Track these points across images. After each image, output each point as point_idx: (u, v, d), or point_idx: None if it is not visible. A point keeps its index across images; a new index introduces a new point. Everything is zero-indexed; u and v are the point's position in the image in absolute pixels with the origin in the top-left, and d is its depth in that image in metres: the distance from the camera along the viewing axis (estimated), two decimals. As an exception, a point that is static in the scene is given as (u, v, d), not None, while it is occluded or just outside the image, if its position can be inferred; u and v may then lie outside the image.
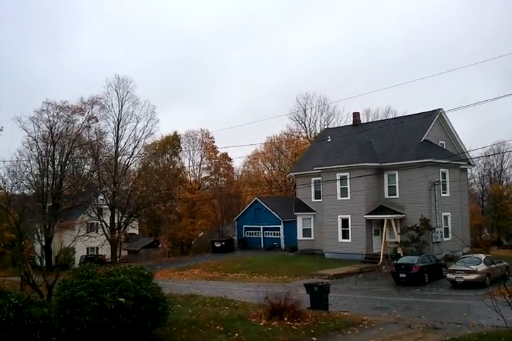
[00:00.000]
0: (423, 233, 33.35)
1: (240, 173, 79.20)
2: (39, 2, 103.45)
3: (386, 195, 37.20)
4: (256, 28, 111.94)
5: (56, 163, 49.24)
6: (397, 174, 36.69)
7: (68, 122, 50.08)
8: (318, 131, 63.50)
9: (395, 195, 36.72)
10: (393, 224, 35.15)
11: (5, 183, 44.85)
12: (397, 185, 36.67)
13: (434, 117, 38.41)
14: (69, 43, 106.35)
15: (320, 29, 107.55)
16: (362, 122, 47.37)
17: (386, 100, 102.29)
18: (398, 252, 33.99)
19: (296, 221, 43.22)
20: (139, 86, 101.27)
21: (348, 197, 37.30)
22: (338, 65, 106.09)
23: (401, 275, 26.95)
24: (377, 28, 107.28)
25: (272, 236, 50.22)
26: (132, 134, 52.42)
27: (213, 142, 66.78)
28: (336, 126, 60.14)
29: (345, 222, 37.53)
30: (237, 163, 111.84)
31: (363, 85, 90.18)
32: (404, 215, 35.53)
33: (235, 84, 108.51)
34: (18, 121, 47.91)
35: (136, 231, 61.56)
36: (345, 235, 37.47)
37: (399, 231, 35.05)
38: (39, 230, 41.67)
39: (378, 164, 37.19)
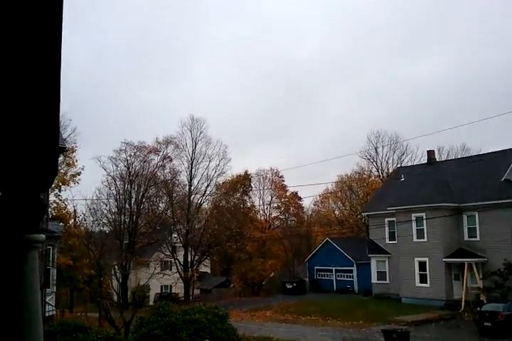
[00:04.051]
0: (508, 278, 31.32)
1: (310, 213, 78.59)
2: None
3: (466, 237, 35.48)
4: (356, 61, 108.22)
5: (133, 201, 50.96)
6: (476, 215, 35.03)
7: (144, 162, 52.18)
8: (391, 170, 62.24)
9: (476, 237, 34.94)
10: (474, 269, 33.30)
11: (85, 220, 47.00)
12: (477, 226, 34.95)
13: (515, 155, 36.71)
14: (161, 82, 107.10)
15: (426, 63, 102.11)
16: (437, 160, 46.09)
17: (461, 137, 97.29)
18: (481, 299, 32.03)
19: (369, 263, 41.95)
20: (229, 123, 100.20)
21: (425, 239, 35.91)
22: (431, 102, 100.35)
23: (485, 324, 25.22)
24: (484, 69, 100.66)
25: (345, 278, 48.88)
26: (205, 173, 53.82)
27: (283, 181, 67.00)
28: (409, 164, 58.75)
29: (422, 265, 36.00)
30: (307, 202, 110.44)
31: (442, 121, 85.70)
32: (486, 259, 33.63)
33: (326, 119, 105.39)
34: (98, 161, 50.30)
35: (208, 270, 61.97)
36: (422, 279, 35.87)
37: (481, 276, 33.13)
38: (116, 267, 43.01)
39: (456, 204, 35.72)
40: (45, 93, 1.58)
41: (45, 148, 1.80)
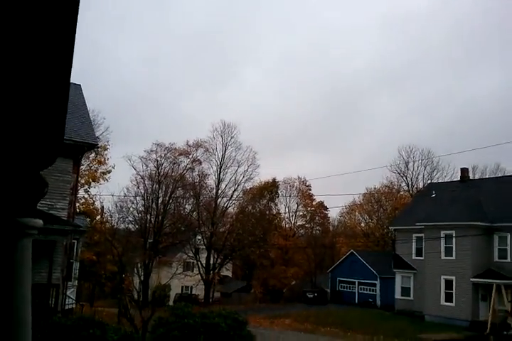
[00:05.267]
0: (538, 303, 30.28)
1: (335, 223, 77.77)
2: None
3: (496, 258, 34.48)
4: (406, 73, 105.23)
5: (160, 201, 51.12)
6: (508, 236, 34.01)
7: (174, 163, 52.38)
8: (421, 186, 61.15)
9: (506, 258, 33.92)
10: (503, 291, 32.26)
11: (111, 217, 47.42)
12: (508, 247, 33.94)
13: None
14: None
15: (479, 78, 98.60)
16: (470, 178, 44.98)
17: (497, 157, 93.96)
18: (508, 322, 30.98)
19: (393, 278, 41.15)
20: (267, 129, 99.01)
21: (453, 257, 35.01)
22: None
23: (512, 348, 24.39)
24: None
25: (367, 291, 48.06)
26: (233, 178, 53.77)
27: (310, 190, 66.48)
28: (439, 181, 57.55)
29: (448, 284, 35.09)
30: (334, 213, 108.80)
31: (482, 140, 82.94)
32: (516, 281, 32.57)
33: (366, 131, 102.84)
34: (129, 160, 50.57)
35: (230, 274, 61.78)
36: (448, 298, 34.95)
37: (509, 299, 32.07)
38: (139, 265, 43.20)
39: (488, 224, 34.72)
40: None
41: (49, 119, 1.47)
